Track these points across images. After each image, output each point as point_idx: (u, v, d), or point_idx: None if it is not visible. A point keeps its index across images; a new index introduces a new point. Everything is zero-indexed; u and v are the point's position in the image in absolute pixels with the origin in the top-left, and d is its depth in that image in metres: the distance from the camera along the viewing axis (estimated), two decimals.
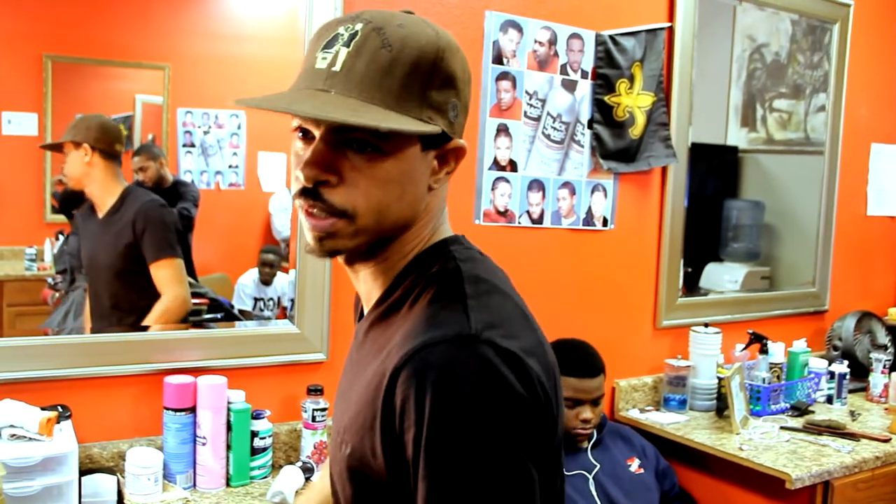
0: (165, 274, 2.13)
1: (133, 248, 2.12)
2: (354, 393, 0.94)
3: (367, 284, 0.99)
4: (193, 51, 2.24)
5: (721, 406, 2.63)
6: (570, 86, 2.49)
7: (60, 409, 1.80)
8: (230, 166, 2.38)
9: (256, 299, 2.78)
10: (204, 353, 2.02)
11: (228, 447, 1.96)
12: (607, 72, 2.53)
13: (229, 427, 1.96)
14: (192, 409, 1.93)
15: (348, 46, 0.87)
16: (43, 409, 1.76)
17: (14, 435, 1.70)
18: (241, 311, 2.68)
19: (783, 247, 3.52)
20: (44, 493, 1.67)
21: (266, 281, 2.59)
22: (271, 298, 2.81)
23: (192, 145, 2.48)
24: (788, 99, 3.49)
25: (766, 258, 3.47)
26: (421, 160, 0.91)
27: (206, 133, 2.39)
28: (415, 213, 0.93)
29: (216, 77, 2.28)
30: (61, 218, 2.49)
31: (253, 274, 2.59)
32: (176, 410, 1.92)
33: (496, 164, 2.38)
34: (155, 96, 2.26)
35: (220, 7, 2.29)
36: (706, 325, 2.74)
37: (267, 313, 2.77)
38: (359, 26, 0.88)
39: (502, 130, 2.38)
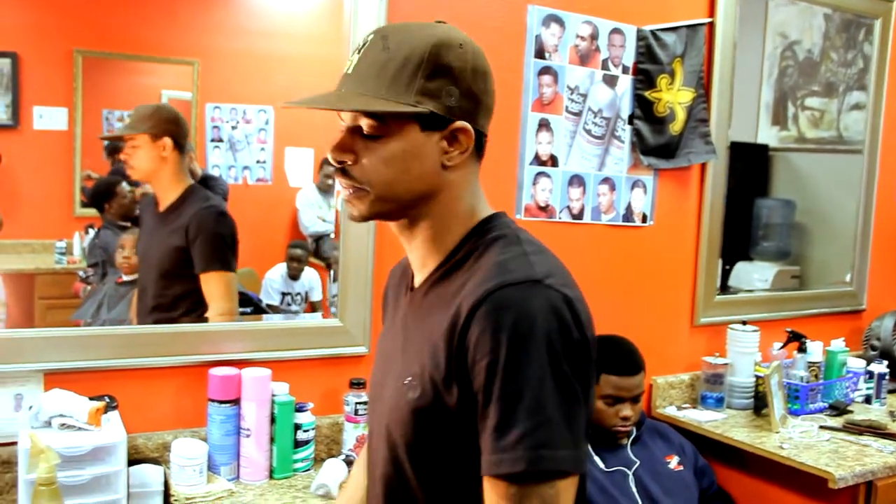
0: (214, 288, 2.11)
1: (183, 252, 2.10)
2: (418, 343, 1.08)
3: (419, 251, 1.14)
4: (222, 46, 2.24)
5: (759, 404, 2.61)
6: (611, 81, 2.48)
7: (108, 400, 1.81)
8: (258, 161, 2.38)
9: (284, 294, 2.78)
10: (247, 345, 2.03)
11: (272, 439, 1.96)
12: (648, 67, 2.51)
13: (273, 419, 1.96)
14: (237, 401, 1.94)
15: (359, 53, 1.07)
16: (90, 399, 1.77)
17: (64, 424, 1.71)
18: (268, 306, 2.68)
19: (814, 246, 3.48)
20: (93, 483, 1.67)
21: (294, 276, 2.59)
22: (298, 293, 2.81)
23: (220, 140, 2.48)
24: (821, 97, 3.45)
25: (797, 257, 3.44)
26: (425, 140, 1.06)
27: (233, 128, 2.39)
28: (429, 186, 1.08)
29: (245, 73, 2.28)
30: (90, 212, 2.49)
31: (280, 269, 2.59)
32: (220, 402, 1.92)
33: (537, 160, 2.37)
34: (181, 91, 2.25)
35: (250, 3, 2.29)
36: (744, 322, 2.73)
37: (294, 308, 2.77)
38: (371, 36, 1.07)
39: (544, 125, 2.37)
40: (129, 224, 2.25)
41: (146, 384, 1.94)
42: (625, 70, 2.50)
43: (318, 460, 2.05)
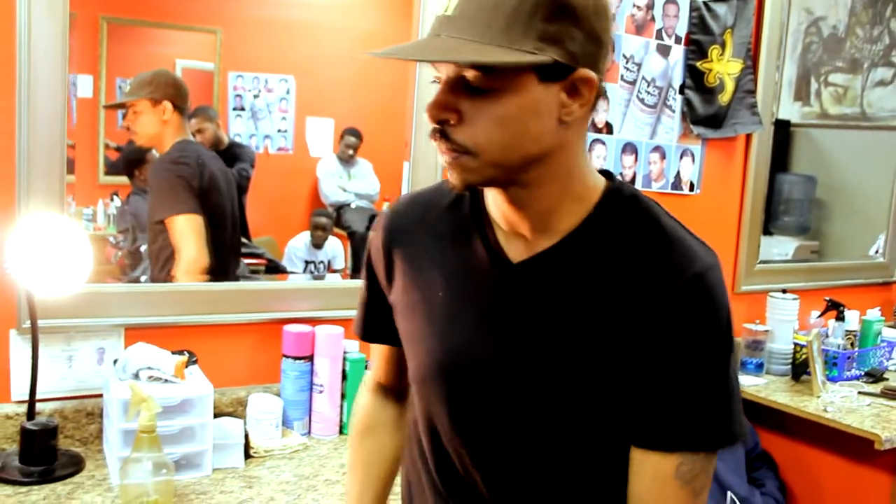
0: (172, 234, 2.11)
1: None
2: (568, 326, 0.98)
3: (530, 220, 1.00)
4: (245, 15, 2.24)
5: (796, 371, 2.67)
6: (664, 51, 2.51)
7: (188, 354, 1.85)
8: (279, 130, 2.39)
9: (307, 262, 2.82)
10: (318, 303, 2.07)
11: (343, 396, 2.02)
12: (700, 38, 2.55)
13: (344, 376, 2.01)
14: (310, 358, 1.98)
15: None
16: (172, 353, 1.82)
17: (152, 377, 1.75)
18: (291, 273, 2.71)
19: (834, 221, 3.54)
20: (181, 434, 1.72)
21: (318, 244, 2.62)
22: (322, 261, 2.85)
23: (242, 109, 2.51)
24: (845, 73, 3.49)
25: (816, 232, 3.50)
26: (543, 93, 0.90)
27: (255, 97, 2.42)
28: (545, 147, 0.94)
29: (266, 42, 2.29)
30: (115, 179, 2.52)
31: (304, 237, 2.61)
32: (295, 358, 1.97)
33: (593, 126, 2.41)
34: (196, 61, 2.26)
35: None
36: (783, 291, 2.78)
37: (317, 275, 2.81)
38: None
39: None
40: None
41: (221, 340, 1.98)
42: (677, 40, 2.53)
43: None
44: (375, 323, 1.22)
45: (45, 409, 1.77)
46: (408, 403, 1.27)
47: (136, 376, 1.76)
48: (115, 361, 1.81)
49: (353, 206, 2.81)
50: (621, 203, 1.01)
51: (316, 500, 1.66)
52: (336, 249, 2.81)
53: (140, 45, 2.29)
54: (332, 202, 2.52)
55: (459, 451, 1.08)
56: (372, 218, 2.67)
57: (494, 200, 1.03)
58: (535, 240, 1.01)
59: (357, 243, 2.49)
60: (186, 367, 1.81)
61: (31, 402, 1.71)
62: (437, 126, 0.92)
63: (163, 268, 2.10)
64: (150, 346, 1.80)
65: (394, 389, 1.32)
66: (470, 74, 0.88)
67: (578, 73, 0.91)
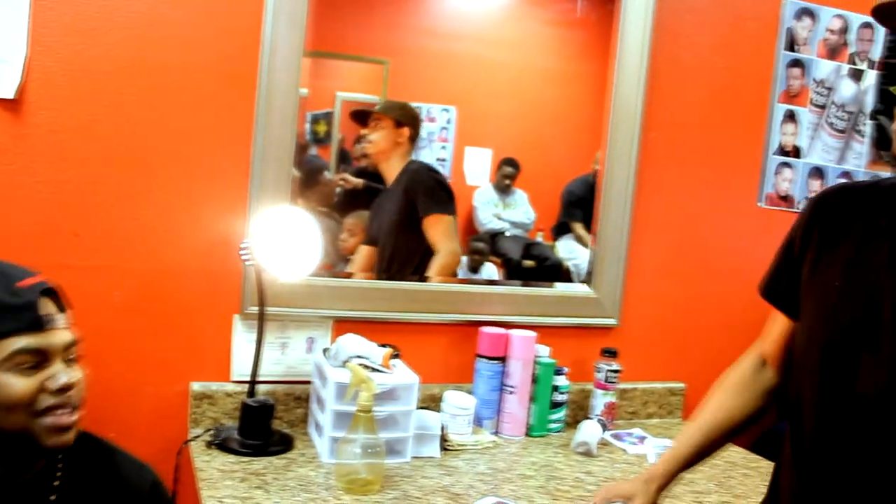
0: (434, 233, 2.26)
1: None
2: None
3: None
4: (412, 46, 2.33)
5: None
6: (856, 75, 2.49)
7: (393, 348, 1.95)
8: (438, 159, 2.44)
9: None
10: (510, 308, 2.15)
11: (532, 398, 2.08)
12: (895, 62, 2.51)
13: (535, 379, 2.07)
14: (503, 359, 2.06)
15: None
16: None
17: (362, 365, 1.86)
18: None
19: None
20: (388, 419, 1.82)
21: (475, 268, 2.68)
22: None
23: None
24: None
25: None
26: None
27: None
28: None
29: (431, 72, 2.37)
30: None
31: (462, 262, 2.68)
32: (490, 359, 2.04)
33: (781, 149, 2.41)
34: (360, 94, 2.34)
35: (437, 6, 2.39)
36: None
37: None
38: None
39: (789, 116, 2.41)
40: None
41: (420, 338, 2.08)
42: (871, 65, 2.51)
43: (566, 424, 2.16)
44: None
45: (259, 390, 1.90)
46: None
47: (345, 364, 1.87)
48: (326, 350, 1.94)
49: (507, 234, 2.88)
50: None
51: (513, 491, 1.72)
52: (492, 274, 2.89)
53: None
54: (487, 229, 2.58)
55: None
56: (527, 247, 2.72)
57: None
58: None
59: (511, 269, 2.54)
60: (391, 359, 1.91)
61: (253, 382, 1.85)
62: None
63: (410, 265, 2.24)
64: (359, 337, 1.92)
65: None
66: None
67: None
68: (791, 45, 2.38)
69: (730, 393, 1.38)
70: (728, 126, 2.36)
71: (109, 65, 1.76)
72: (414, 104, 2.32)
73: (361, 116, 2.28)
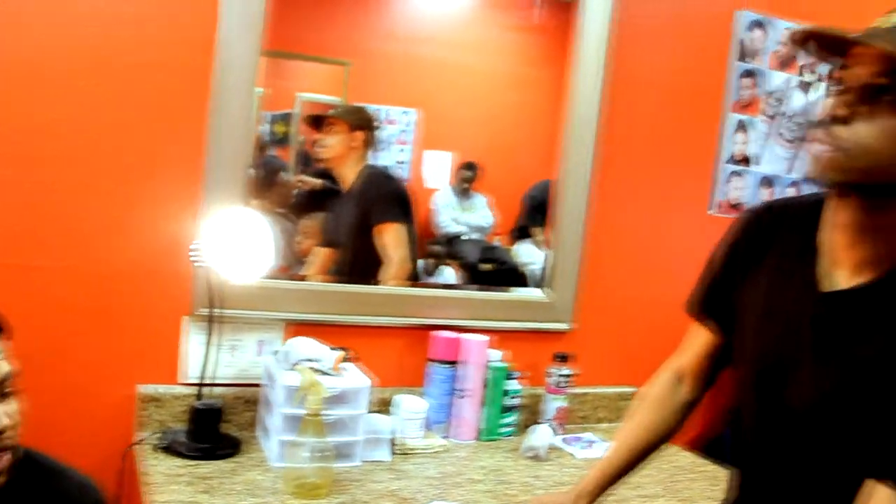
0: (384, 241, 2.25)
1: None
2: (861, 348, 1.03)
3: (865, 248, 1.04)
4: (374, 48, 2.33)
5: None
6: (806, 87, 2.54)
7: (345, 351, 1.94)
8: (397, 162, 2.44)
9: None
10: (464, 312, 2.16)
11: (483, 403, 2.08)
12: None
13: (486, 384, 2.08)
14: (455, 363, 2.06)
15: None
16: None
17: (313, 368, 1.85)
18: None
19: None
20: (338, 423, 1.81)
21: (430, 272, 2.69)
22: None
23: None
24: None
25: None
26: None
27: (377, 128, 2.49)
28: None
29: (392, 75, 2.37)
30: None
31: (418, 265, 2.68)
32: (442, 363, 2.05)
33: (732, 158, 2.45)
34: (321, 94, 2.33)
35: (400, 8, 2.39)
36: None
37: None
38: None
39: (741, 126, 2.44)
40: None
41: (373, 341, 2.07)
42: (819, 77, 2.56)
43: (518, 428, 2.16)
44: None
45: (210, 393, 1.88)
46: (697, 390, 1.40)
47: (295, 367, 1.86)
48: (276, 352, 1.92)
49: (465, 237, 2.88)
50: None
51: (462, 496, 1.72)
52: (449, 278, 2.89)
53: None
54: (446, 233, 2.59)
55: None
56: (485, 250, 2.73)
57: (834, 225, 1.08)
58: (863, 269, 1.05)
59: (469, 272, 2.55)
60: (342, 362, 1.90)
61: (202, 385, 1.83)
62: (829, 118, 0.99)
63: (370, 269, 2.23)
64: (310, 340, 1.91)
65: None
66: (885, 80, 0.95)
67: None
68: (743, 55, 2.42)
69: (649, 410, 1.42)
70: (682, 133, 2.39)
71: (55, 63, 1.73)
72: (374, 106, 2.31)
73: (317, 121, 2.27)
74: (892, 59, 0.95)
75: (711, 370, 1.38)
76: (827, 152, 0.99)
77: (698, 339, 1.37)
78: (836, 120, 0.98)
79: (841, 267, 1.08)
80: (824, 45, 1.04)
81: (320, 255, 2.27)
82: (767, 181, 2.52)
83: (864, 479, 1.04)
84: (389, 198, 2.33)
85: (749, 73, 2.43)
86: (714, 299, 1.31)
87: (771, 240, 1.19)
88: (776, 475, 1.18)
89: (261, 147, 2.22)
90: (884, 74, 0.95)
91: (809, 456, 1.12)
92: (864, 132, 0.96)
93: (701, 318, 1.36)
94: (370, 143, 2.30)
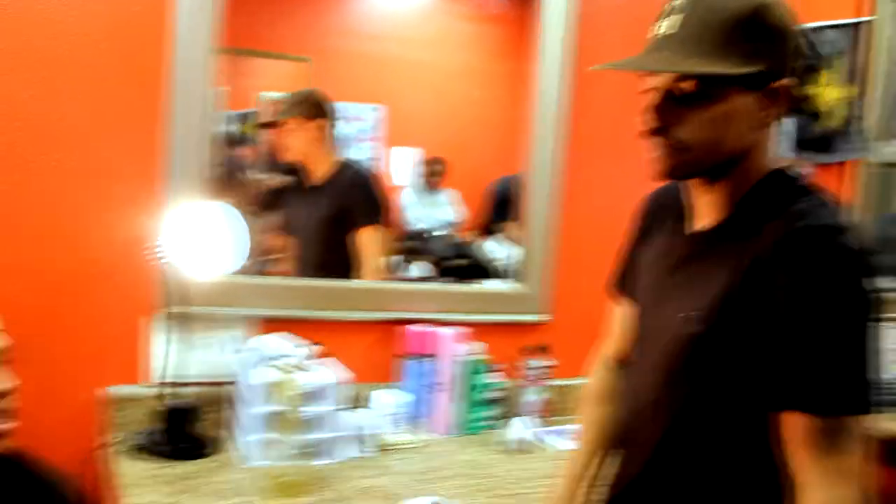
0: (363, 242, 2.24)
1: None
2: (704, 282, 1.11)
3: (713, 204, 1.15)
4: (335, 46, 2.31)
5: None
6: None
7: (317, 346, 1.91)
8: (367, 158, 2.43)
9: None
10: (439, 306, 2.13)
11: (460, 396, 2.06)
12: (809, 63, 2.58)
13: (463, 377, 2.05)
14: (431, 357, 2.03)
15: (674, 15, 1.09)
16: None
17: (285, 364, 1.82)
18: None
19: None
20: (313, 420, 1.77)
21: (400, 269, 2.68)
22: None
23: None
24: None
25: None
26: (745, 101, 1.06)
27: (342, 125, 2.47)
28: (745, 145, 1.09)
29: (356, 72, 2.36)
30: None
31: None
32: (417, 357, 2.02)
33: None
34: (283, 93, 2.30)
35: (359, 4, 2.39)
36: None
37: None
38: (683, 1, 1.09)
39: None
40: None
41: (347, 336, 2.05)
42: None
43: (498, 421, 2.14)
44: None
45: (175, 393, 1.83)
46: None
47: (267, 364, 1.82)
48: (247, 350, 1.89)
49: (434, 233, 2.87)
50: (781, 179, 1.12)
51: (441, 489, 1.69)
52: (422, 273, 2.88)
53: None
54: (414, 228, 2.58)
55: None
56: (454, 245, 2.72)
57: (688, 193, 1.20)
58: (710, 218, 1.16)
59: (439, 267, 2.53)
60: (314, 358, 1.88)
61: (173, 384, 1.79)
62: (655, 126, 1.09)
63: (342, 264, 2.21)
64: (280, 336, 1.88)
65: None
66: (686, 84, 1.05)
67: (779, 82, 1.07)
68: None
69: (594, 407, 1.46)
70: None
71: None
72: (338, 104, 2.29)
73: (273, 124, 2.24)
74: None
75: None
76: (662, 158, 1.10)
77: (619, 319, 1.42)
78: (657, 131, 1.08)
79: (699, 219, 1.18)
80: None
81: (288, 251, 2.24)
82: None
83: (745, 415, 1.08)
84: (372, 202, 2.30)
85: None
86: (624, 277, 1.39)
87: (656, 214, 1.32)
88: (656, 422, 1.19)
89: (229, 145, 2.19)
90: (677, 79, 1.06)
91: (671, 455, 1.16)
92: (682, 134, 1.07)
93: (616, 297, 1.42)
94: (331, 127, 2.25)
